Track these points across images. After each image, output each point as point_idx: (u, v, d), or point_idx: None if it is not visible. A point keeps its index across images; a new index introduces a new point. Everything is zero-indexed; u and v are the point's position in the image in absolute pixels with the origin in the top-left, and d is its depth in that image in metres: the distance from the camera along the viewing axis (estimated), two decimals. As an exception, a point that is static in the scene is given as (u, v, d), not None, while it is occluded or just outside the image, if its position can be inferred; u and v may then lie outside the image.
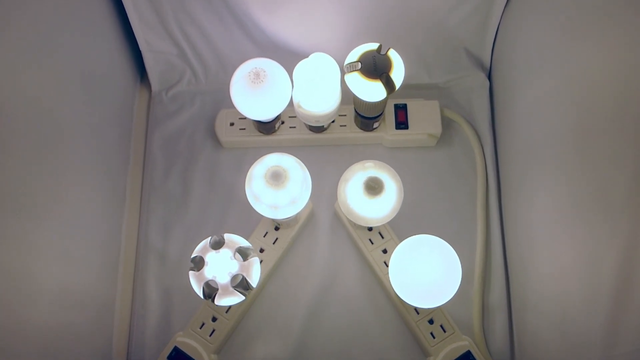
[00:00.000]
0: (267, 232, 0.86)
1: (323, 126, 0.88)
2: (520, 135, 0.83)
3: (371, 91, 0.77)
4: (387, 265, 0.84)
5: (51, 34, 0.70)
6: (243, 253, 0.69)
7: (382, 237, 0.85)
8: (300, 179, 0.72)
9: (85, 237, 0.77)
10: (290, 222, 0.84)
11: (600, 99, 0.60)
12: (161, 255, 0.88)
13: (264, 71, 0.76)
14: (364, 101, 0.81)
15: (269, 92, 0.77)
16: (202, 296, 0.69)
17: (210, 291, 0.68)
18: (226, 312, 0.82)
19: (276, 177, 0.71)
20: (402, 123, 0.90)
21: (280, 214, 0.73)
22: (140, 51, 0.93)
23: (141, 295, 0.86)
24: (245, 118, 0.92)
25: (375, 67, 0.76)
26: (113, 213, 0.87)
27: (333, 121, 0.91)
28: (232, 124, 0.92)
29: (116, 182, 0.88)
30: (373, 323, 0.84)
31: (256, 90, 0.76)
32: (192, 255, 0.70)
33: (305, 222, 0.88)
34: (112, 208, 0.87)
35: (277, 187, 0.71)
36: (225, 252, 0.69)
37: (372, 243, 0.85)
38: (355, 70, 0.76)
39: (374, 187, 0.71)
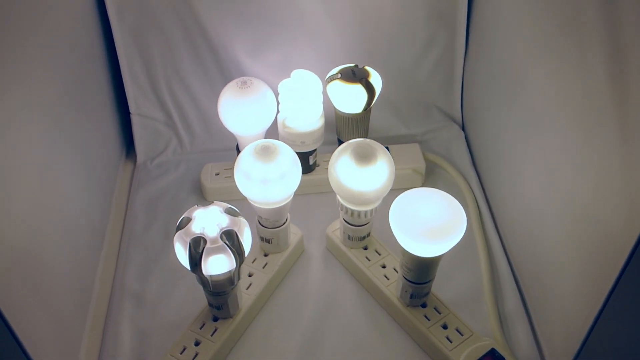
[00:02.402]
0: (255, 259, 0.80)
1: (309, 162, 0.89)
2: (503, 165, 0.85)
3: (352, 96, 0.81)
4: (388, 279, 0.77)
5: (51, 99, 0.73)
6: (232, 214, 0.65)
7: (379, 254, 0.80)
8: (291, 157, 0.72)
9: (54, 280, 0.70)
10: (280, 242, 0.79)
11: (554, 128, 0.67)
12: (138, 297, 0.79)
13: (251, 80, 0.81)
14: (346, 117, 0.84)
15: (255, 100, 0.80)
16: (187, 263, 0.62)
17: (197, 254, 0.62)
18: (211, 335, 0.72)
19: (266, 149, 0.70)
20: (385, 161, 0.92)
21: (271, 192, 0.70)
22: (127, 123, 0.97)
23: (113, 336, 0.75)
24: (230, 168, 0.92)
25: (355, 74, 0.82)
26: (87, 260, 0.80)
27: (318, 165, 0.92)
28: (217, 174, 0.92)
29: (94, 235, 0.84)
30: (378, 345, 0.74)
31: (243, 99, 0.80)
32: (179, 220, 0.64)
33: (296, 255, 0.83)
34: (87, 256, 0.81)
35: (267, 160, 0.69)
36: (214, 209, 0.65)
37: (369, 260, 0.79)
38: (336, 79, 0.81)
39: (365, 152, 0.70)
